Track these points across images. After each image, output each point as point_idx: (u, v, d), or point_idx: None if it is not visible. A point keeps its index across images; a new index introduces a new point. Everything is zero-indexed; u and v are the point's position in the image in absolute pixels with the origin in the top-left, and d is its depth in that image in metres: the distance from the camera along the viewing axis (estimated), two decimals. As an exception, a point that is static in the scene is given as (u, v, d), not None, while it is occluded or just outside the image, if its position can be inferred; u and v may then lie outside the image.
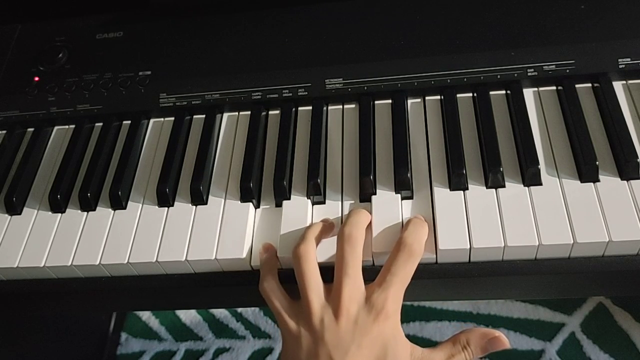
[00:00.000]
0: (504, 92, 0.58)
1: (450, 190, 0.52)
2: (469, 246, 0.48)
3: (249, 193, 0.54)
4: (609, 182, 0.50)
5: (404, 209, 0.52)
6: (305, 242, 0.48)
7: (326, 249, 0.50)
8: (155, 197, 0.56)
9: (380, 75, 0.59)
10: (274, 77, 0.61)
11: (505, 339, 0.47)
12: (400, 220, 0.51)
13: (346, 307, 0.44)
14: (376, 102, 0.60)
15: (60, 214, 0.58)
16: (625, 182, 0.50)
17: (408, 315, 1.13)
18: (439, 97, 0.59)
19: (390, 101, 0.59)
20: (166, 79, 0.63)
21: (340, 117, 0.60)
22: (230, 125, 0.62)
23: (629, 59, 0.55)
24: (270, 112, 0.62)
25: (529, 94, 0.57)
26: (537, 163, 0.51)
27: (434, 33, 0.60)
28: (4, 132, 0.66)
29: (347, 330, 0.44)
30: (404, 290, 0.46)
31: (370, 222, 0.50)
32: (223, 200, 0.55)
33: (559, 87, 0.57)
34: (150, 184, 0.58)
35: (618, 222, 0.47)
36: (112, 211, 0.57)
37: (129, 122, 0.63)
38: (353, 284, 0.45)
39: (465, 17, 0.61)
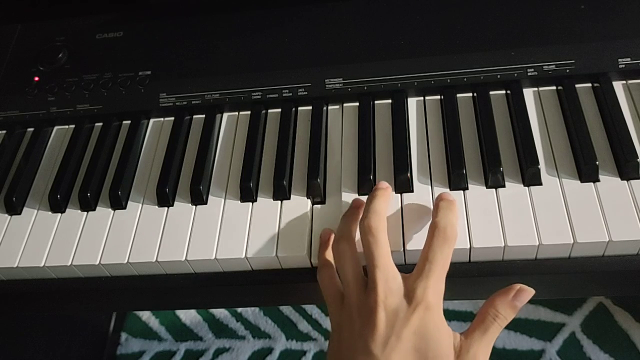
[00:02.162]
0: (504, 92, 0.58)
1: (450, 190, 0.52)
2: (469, 246, 0.48)
3: (249, 193, 0.54)
4: (609, 182, 0.50)
5: (405, 209, 0.52)
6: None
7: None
8: (155, 197, 0.56)
9: (380, 75, 0.59)
10: (273, 77, 0.61)
11: (527, 288, 0.45)
12: (401, 220, 0.51)
13: (382, 300, 0.43)
14: (376, 102, 0.60)
15: (60, 214, 0.58)
16: (625, 182, 0.50)
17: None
18: (439, 97, 0.59)
19: (390, 101, 0.59)
20: (166, 79, 0.63)
21: (340, 117, 0.60)
22: (230, 125, 0.62)
23: (629, 59, 0.55)
24: (270, 112, 0.62)
25: (529, 94, 0.57)
26: (537, 163, 0.51)
27: (434, 33, 0.60)
28: (4, 132, 0.66)
29: (386, 321, 0.43)
30: (444, 278, 0.45)
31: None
32: (223, 200, 0.55)
33: (559, 87, 0.57)
34: (150, 184, 0.58)
35: (618, 222, 0.47)
36: (112, 211, 0.57)
37: (129, 122, 0.63)
38: (386, 276, 0.44)
39: (465, 17, 0.61)
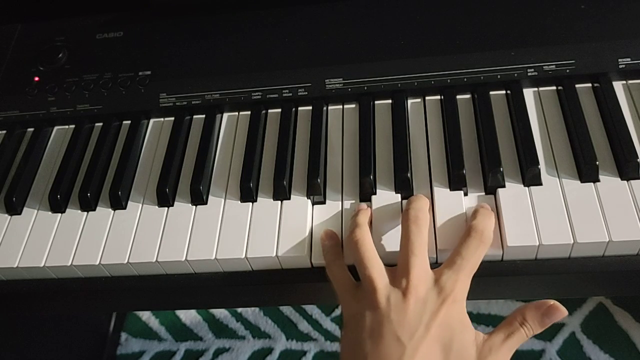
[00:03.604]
0: (504, 92, 0.58)
1: (450, 190, 0.52)
2: (469, 246, 0.48)
3: (249, 193, 0.54)
4: (609, 182, 0.50)
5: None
6: (359, 227, 0.48)
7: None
8: (155, 197, 0.56)
9: (380, 75, 0.59)
10: (274, 77, 0.61)
11: (561, 307, 0.45)
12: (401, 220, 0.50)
13: (415, 286, 0.43)
14: (376, 102, 0.60)
15: (60, 214, 0.58)
16: (625, 182, 0.50)
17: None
18: (439, 97, 0.59)
19: (390, 101, 0.59)
20: (166, 79, 0.63)
21: (340, 117, 0.60)
22: (230, 125, 0.62)
23: (629, 59, 0.55)
24: (270, 112, 0.62)
25: (529, 94, 0.57)
26: (537, 163, 0.51)
27: (434, 33, 0.60)
28: (4, 132, 0.66)
29: (415, 310, 0.43)
30: (471, 277, 0.45)
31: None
32: (223, 200, 0.55)
33: (559, 87, 0.57)
34: (150, 184, 0.58)
35: (618, 222, 0.47)
36: (112, 211, 0.57)
37: (129, 122, 0.63)
38: (421, 264, 0.45)
39: (465, 17, 0.61)
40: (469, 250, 0.45)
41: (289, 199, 0.54)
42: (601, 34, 0.57)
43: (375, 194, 0.53)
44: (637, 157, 0.50)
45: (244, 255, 0.51)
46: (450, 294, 0.43)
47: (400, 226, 0.49)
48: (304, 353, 1.14)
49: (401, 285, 0.44)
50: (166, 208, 0.56)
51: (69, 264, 0.54)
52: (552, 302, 0.45)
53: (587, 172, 0.50)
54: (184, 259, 0.52)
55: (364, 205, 0.52)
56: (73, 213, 0.58)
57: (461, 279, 0.44)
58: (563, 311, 0.45)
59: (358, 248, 0.47)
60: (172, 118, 0.63)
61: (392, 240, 0.50)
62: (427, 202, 0.50)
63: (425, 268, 0.45)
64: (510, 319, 0.46)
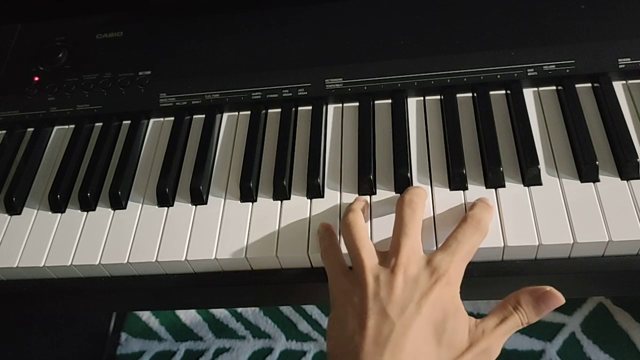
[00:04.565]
0: (504, 92, 0.58)
1: (450, 190, 0.52)
2: (469, 246, 0.48)
3: (249, 193, 0.54)
4: (609, 182, 0.50)
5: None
6: (352, 211, 0.48)
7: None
8: (155, 197, 0.56)
9: (380, 75, 0.59)
10: (274, 77, 0.61)
11: (557, 293, 0.43)
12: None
13: (404, 264, 0.43)
14: (376, 102, 0.60)
15: (60, 214, 0.58)
16: (625, 182, 0.50)
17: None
18: (439, 97, 0.59)
19: (390, 101, 0.59)
20: (166, 79, 0.63)
21: (340, 117, 0.60)
22: (230, 125, 0.62)
23: (629, 59, 0.55)
24: (270, 112, 0.62)
25: (529, 94, 0.57)
26: (537, 163, 0.51)
27: (434, 33, 0.60)
28: (4, 132, 0.66)
29: (404, 287, 0.42)
30: (466, 264, 0.45)
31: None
32: (223, 200, 0.55)
33: (559, 87, 0.57)
34: (150, 184, 0.58)
35: (618, 222, 0.47)
36: (112, 211, 0.57)
37: (129, 122, 0.63)
38: (412, 245, 0.44)
39: (465, 17, 0.61)
40: (465, 235, 0.45)
41: (289, 198, 0.54)
42: (601, 34, 0.57)
43: (375, 193, 0.53)
44: (637, 157, 0.50)
45: (243, 255, 0.51)
46: (444, 275, 0.43)
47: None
48: (304, 353, 1.14)
49: (390, 264, 0.44)
50: (166, 208, 0.56)
51: (69, 264, 0.54)
52: (548, 288, 0.44)
53: (587, 172, 0.50)
54: (183, 258, 0.52)
55: (362, 197, 0.52)
56: (73, 213, 0.58)
57: (455, 261, 0.43)
58: (559, 298, 0.43)
59: (350, 230, 0.47)
60: (172, 118, 0.63)
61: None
62: (425, 192, 0.49)
63: (416, 249, 0.45)
64: (503, 302, 0.44)
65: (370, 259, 0.45)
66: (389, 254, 0.45)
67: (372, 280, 0.43)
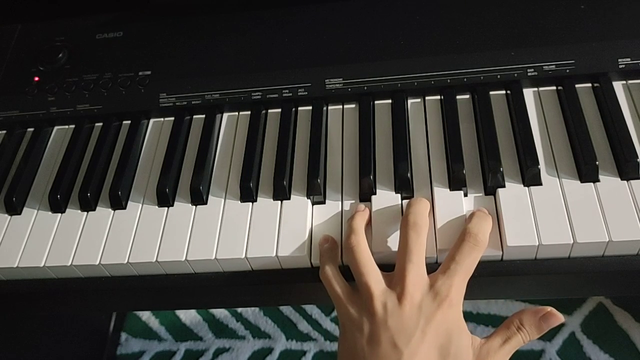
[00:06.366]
0: (504, 92, 0.58)
1: (450, 190, 0.52)
2: (469, 246, 0.48)
3: (249, 193, 0.54)
4: (609, 182, 0.50)
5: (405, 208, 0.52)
6: (355, 233, 0.48)
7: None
8: (155, 197, 0.56)
9: (380, 75, 0.59)
10: (273, 77, 0.61)
11: (557, 313, 0.46)
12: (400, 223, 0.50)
13: (410, 293, 0.44)
14: (376, 102, 0.60)
15: (60, 214, 0.58)
16: (625, 182, 0.50)
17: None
18: (439, 97, 0.59)
19: (390, 101, 0.59)
20: (166, 79, 0.63)
21: (340, 117, 0.60)
22: (230, 125, 0.62)
23: (629, 59, 0.55)
24: (270, 112, 0.62)
25: (529, 94, 0.57)
26: (537, 163, 0.51)
27: (434, 33, 0.60)
28: (4, 132, 0.66)
29: (411, 315, 0.43)
30: (467, 281, 0.46)
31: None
32: (223, 200, 0.55)
33: (559, 87, 0.57)
34: (150, 184, 0.58)
35: (618, 222, 0.47)
36: (112, 211, 0.57)
37: (129, 122, 0.63)
38: (417, 271, 0.45)
39: (465, 17, 0.61)
40: (462, 255, 0.45)
41: (289, 199, 0.54)
42: (601, 34, 0.57)
43: (375, 194, 0.53)
44: (637, 157, 0.50)
45: (244, 255, 0.51)
46: (445, 299, 0.44)
47: (398, 227, 0.49)
48: (304, 353, 1.14)
49: (397, 292, 0.44)
50: (166, 208, 0.56)
51: (69, 264, 0.54)
52: (549, 308, 0.46)
53: (587, 172, 0.50)
54: (183, 259, 0.52)
55: (361, 206, 0.52)
56: (73, 213, 0.58)
57: (456, 284, 0.44)
58: (559, 317, 0.46)
59: (354, 254, 0.47)
60: (172, 118, 0.63)
61: (391, 241, 0.50)
62: (427, 205, 0.50)
63: (421, 274, 0.45)
64: (507, 323, 0.47)
65: (377, 285, 0.45)
66: (394, 280, 0.45)
67: (381, 308, 0.44)
